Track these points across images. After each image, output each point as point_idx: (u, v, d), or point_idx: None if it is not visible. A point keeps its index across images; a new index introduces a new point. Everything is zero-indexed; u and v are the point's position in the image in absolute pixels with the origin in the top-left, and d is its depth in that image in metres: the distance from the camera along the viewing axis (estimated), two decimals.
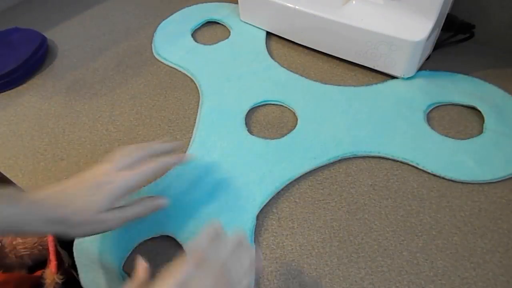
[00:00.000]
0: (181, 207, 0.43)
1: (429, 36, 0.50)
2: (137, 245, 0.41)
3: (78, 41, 0.69)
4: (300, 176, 0.46)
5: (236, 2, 0.65)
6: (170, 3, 0.74)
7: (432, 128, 0.49)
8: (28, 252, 0.60)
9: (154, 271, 0.39)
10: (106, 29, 0.71)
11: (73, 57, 0.65)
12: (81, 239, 0.42)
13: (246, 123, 0.52)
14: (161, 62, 0.63)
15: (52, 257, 0.53)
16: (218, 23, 0.69)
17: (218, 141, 0.49)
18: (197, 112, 0.54)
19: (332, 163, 0.47)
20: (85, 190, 0.35)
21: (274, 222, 0.42)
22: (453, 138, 0.48)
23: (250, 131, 0.51)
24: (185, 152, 0.49)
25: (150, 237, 0.41)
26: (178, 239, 0.41)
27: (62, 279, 0.52)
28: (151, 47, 0.65)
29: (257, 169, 0.46)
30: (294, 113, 0.53)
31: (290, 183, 0.45)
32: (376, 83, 0.55)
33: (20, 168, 0.50)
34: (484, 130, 0.48)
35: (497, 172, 0.44)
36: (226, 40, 0.65)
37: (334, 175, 0.46)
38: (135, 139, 0.52)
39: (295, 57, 0.61)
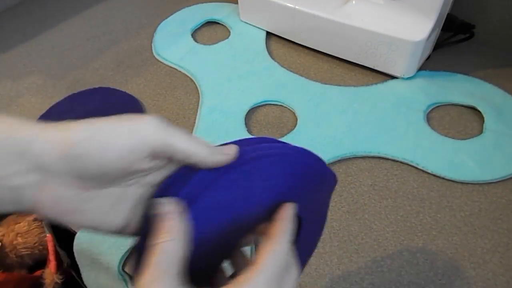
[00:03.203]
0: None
1: (429, 36, 0.50)
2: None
3: (78, 41, 0.69)
4: None
5: (236, 2, 0.65)
6: (170, 3, 0.74)
7: (432, 128, 0.49)
8: (28, 252, 0.60)
9: None
10: (106, 29, 0.70)
11: (73, 57, 0.65)
12: (80, 240, 0.42)
13: (246, 123, 0.51)
14: (161, 62, 0.63)
15: (51, 257, 0.53)
16: (218, 23, 0.69)
17: (218, 141, 0.49)
18: (197, 112, 0.54)
19: (332, 163, 0.47)
20: None
21: None
22: (453, 138, 0.48)
23: (250, 131, 0.51)
24: None
25: None
26: None
27: (61, 279, 0.52)
28: (151, 47, 0.65)
29: None
30: (294, 113, 0.53)
31: None
32: (376, 83, 0.55)
33: None
34: (484, 130, 0.48)
35: (497, 172, 0.44)
36: (226, 40, 0.65)
37: None
38: None
39: (295, 57, 0.61)
